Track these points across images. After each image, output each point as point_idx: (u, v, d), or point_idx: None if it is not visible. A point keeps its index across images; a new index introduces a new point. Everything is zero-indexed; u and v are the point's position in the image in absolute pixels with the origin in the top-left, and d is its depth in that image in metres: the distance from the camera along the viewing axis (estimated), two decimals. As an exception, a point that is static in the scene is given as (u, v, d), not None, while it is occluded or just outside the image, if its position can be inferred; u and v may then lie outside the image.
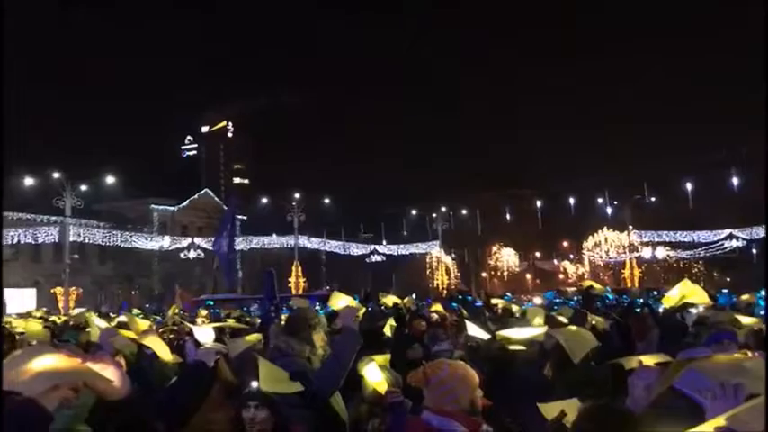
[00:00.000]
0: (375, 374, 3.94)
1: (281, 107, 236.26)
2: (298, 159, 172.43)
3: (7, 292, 39.72)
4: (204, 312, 15.09)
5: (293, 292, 40.46)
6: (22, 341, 7.06)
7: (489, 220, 64.25)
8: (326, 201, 55.59)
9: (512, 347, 5.54)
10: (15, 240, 41.45)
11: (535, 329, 5.70)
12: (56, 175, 36.47)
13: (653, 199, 57.64)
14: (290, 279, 44.00)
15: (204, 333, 5.83)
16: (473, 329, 6.43)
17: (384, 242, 57.59)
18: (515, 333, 5.66)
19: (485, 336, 6.26)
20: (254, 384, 3.13)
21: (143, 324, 6.68)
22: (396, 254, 56.25)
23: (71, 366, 1.89)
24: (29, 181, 37.80)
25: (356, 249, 56.20)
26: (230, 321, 10.27)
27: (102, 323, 7.04)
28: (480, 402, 3.03)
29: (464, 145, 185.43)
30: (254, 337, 6.04)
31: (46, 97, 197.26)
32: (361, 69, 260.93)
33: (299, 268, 45.33)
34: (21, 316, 15.44)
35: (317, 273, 53.71)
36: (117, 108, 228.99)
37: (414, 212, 62.70)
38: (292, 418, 3.24)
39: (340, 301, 5.35)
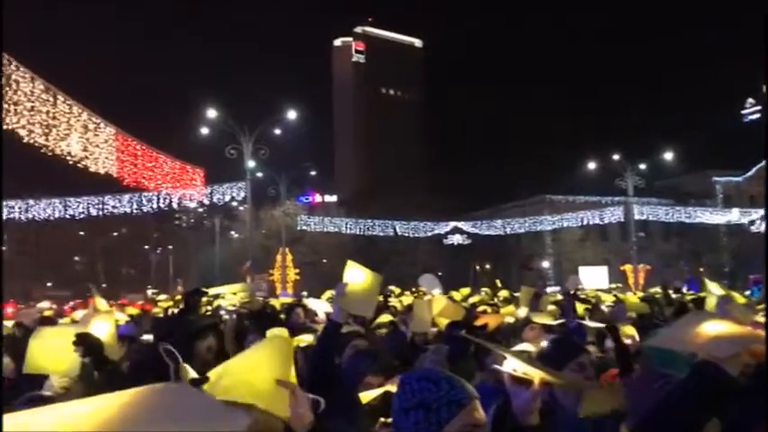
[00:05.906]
0: None
1: None
2: None
3: (581, 269, 43.73)
4: None
5: None
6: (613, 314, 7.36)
7: None
8: None
9: None
10: (585, 222, 45.42)
11: None
12: (616, 156, 38.08)
13: None
14: None
15: None
16: None
17: None
18: None
19: None
20: None
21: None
22: None
23: (747, 332, 1.77)
24: (592, 165, 40.57)
25: None
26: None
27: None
28: None
29: None
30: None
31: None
32: None
33: None
34: (599, 291, 16.53)
35: None
36: (665, 82, 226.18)
37: None
38: None
39: None
